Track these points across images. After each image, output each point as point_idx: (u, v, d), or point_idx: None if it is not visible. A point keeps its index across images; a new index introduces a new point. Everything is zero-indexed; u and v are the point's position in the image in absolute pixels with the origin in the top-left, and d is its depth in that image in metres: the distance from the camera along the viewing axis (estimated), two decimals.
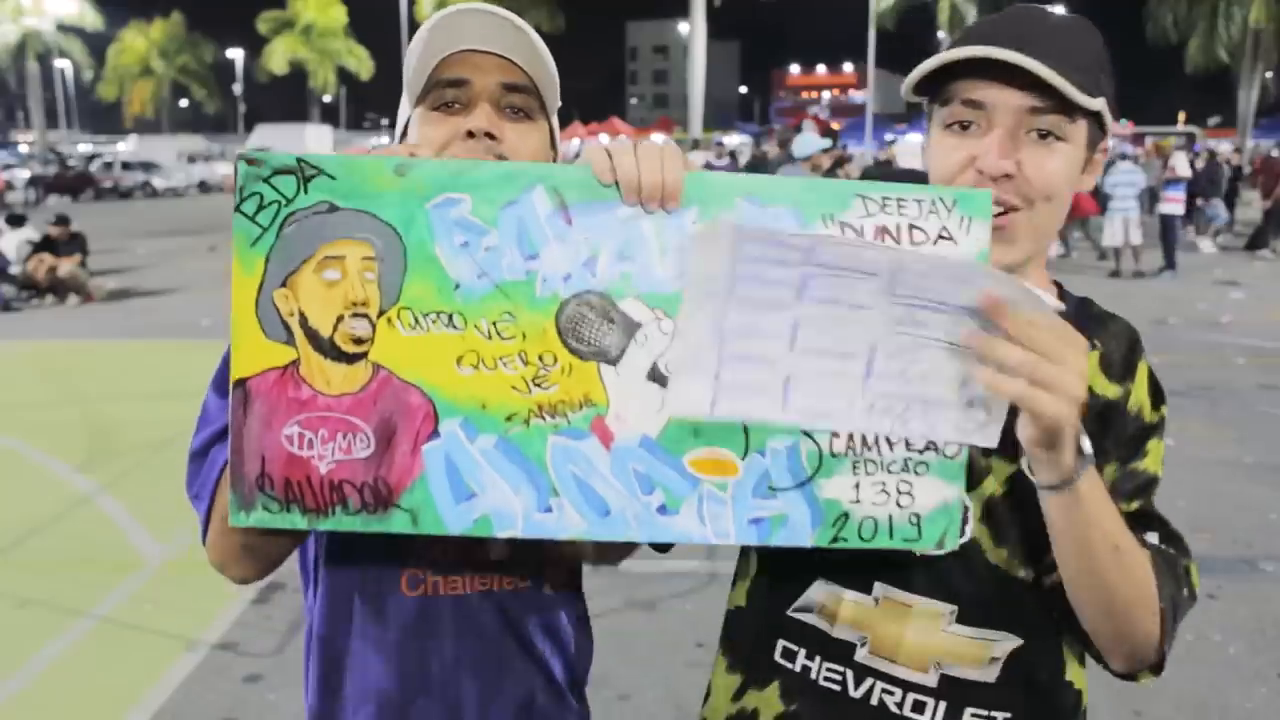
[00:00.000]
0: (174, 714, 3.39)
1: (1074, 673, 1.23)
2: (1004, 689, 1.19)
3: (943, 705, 1.19)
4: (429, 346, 1.01)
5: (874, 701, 1.21)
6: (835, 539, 1.06)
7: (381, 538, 1.08)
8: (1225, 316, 10.49)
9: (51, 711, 3.45)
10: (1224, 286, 12.78)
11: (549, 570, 1.33)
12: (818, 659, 1.24)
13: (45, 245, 12.45)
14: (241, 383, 1.01)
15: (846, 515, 1.05)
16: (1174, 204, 14.12)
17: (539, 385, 1.02)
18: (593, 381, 1.02)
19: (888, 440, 1.04)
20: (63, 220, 12.91)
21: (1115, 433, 1.18)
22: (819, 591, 1.23)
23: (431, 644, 1.26)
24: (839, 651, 1.22)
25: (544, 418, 1.02)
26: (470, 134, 1.18)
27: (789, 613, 1.26)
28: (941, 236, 1.02)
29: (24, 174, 33.01)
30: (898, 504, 1.05)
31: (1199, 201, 15.88)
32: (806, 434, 1.03)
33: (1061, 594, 1.16)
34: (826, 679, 1.23)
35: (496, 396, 1.01)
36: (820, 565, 1.23)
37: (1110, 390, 1.18)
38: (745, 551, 1.35)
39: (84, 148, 49.17)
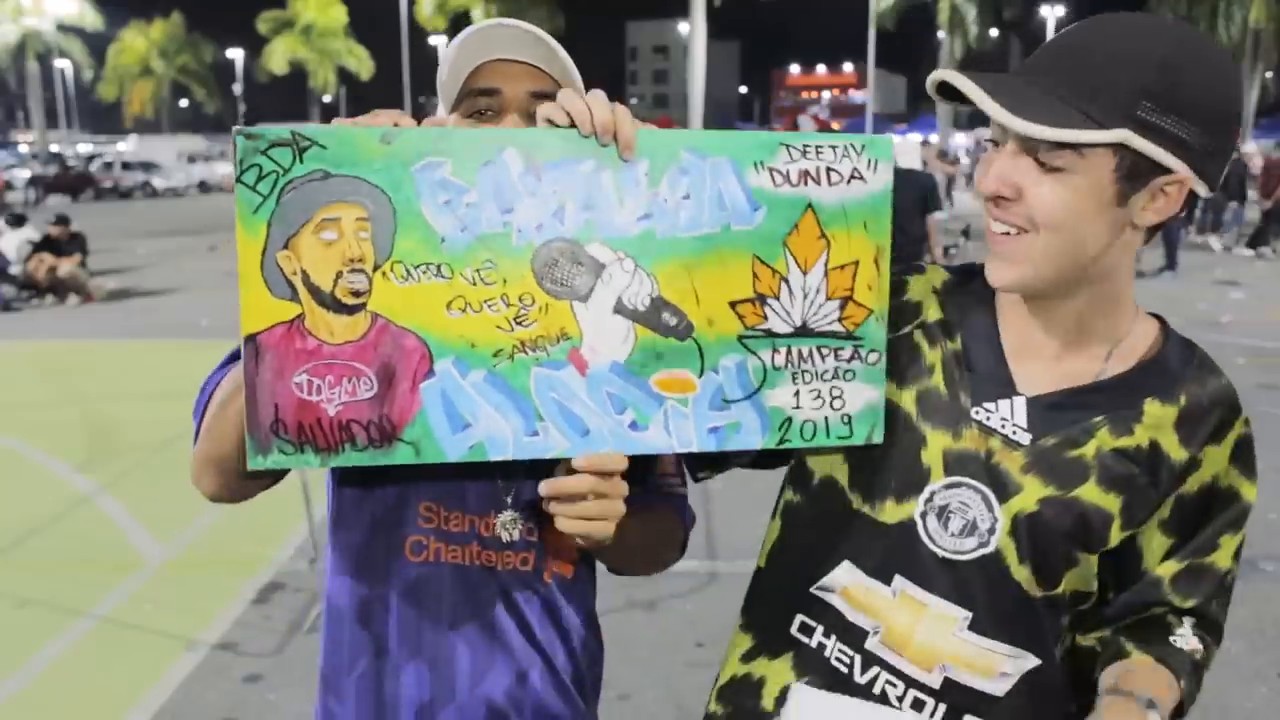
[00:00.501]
0: (174, 714, 3.39)
1: (1065, 703, 1.23)
2: (1010, 705, 1.19)
3: (942, 707, 1.19)
4: (421, 295, 1.12)
5: (876, 690, 1.22)
6: (782, 440, 1.22)
7: (391, 502, 1.28)
8: (1225, 316, 10.51)
9: (51, 711, 3.46)
10: (1224, 286, 12.79)
11: (549, 560, 1.36)
12: (833, 638, 1.25)
13: (45, 245, 12.45)
14: (252, 338, 1.10)
15: (790, 420, 1.22)
16: None
17: (520, 324, 1.14)
18: (567, 317, 1.15)
19: (820, 353, 1.20)
20: (63, 220, 12.91)
21: (1162, 492, 1.17)
22: (844, 574, 1.25)
23: (429, 608, 1.32)
24: (853, 636, 1.24)
25: (526, 352, 1.15)
26: None
27: (811, 589, 1.27)
28: (854, 176, 1.18)
29: (24, 174, 33.01)
30: (831, 406, 1.22)
31: (1230, 205, 15.76)
32: (751, 351, 1.19)
33: (1059, 615, 1.19)
34: (838, 659, 1.24)
35: (483, 336, 1.14)
36: (849, 549, 1.24)
37: (1175, 451, 1.16)
38: (773, 515, 1.38)
39: (84, 148, 49.20)
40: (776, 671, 1.29)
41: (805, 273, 1.18)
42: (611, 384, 1.17)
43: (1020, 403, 1.19)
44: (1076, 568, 1.18)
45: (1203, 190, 1.10)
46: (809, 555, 1.29)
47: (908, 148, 9.30)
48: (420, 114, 1.38)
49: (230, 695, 3.49)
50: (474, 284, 1.13)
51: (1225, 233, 16.83)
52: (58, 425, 6.87)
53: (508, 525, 1.33)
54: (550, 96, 1.28)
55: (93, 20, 42.67)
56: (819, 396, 1.21)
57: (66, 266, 12.27)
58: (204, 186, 36.52)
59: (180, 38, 53.65)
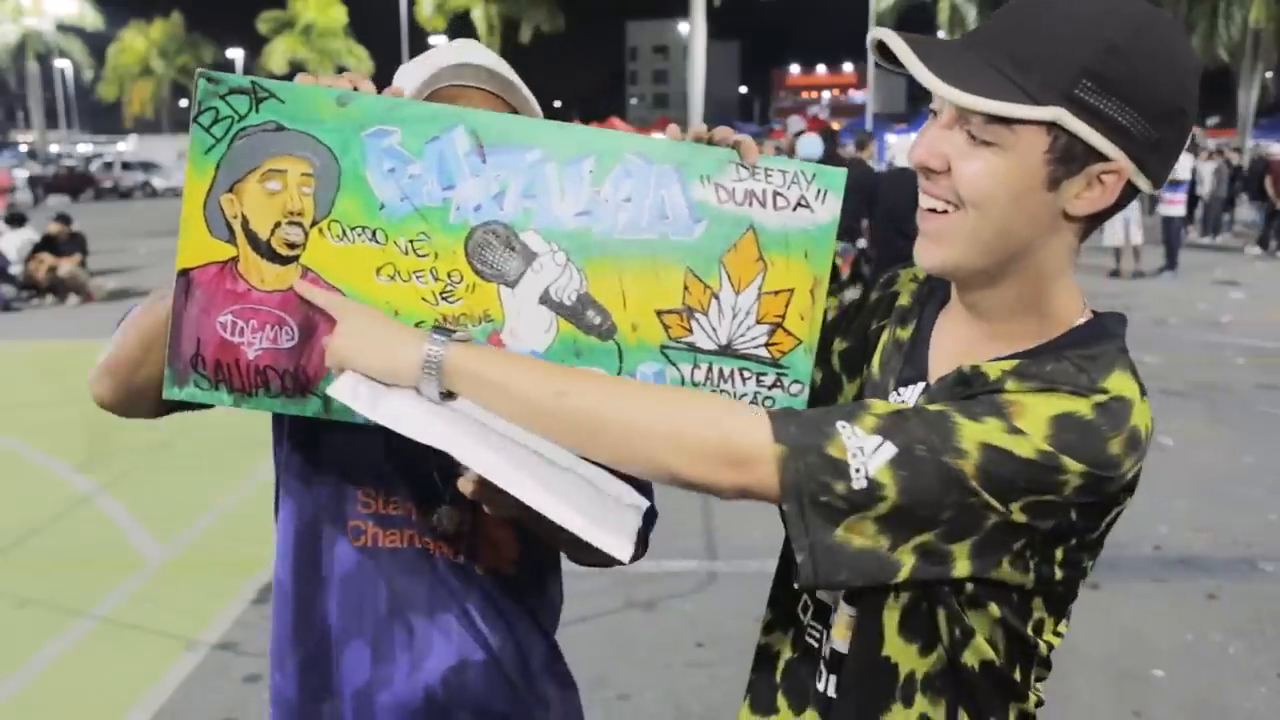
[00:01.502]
0: (174, 714, 3.39)
1: (892, 648, 1.13)
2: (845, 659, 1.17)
3: (833, 679, 1.20)
4: (353, 256, 1.14)
5: (826, 654, 1.22)
6: None
7: (329, 487, 1.33)
8: (1225, 316, 10.49)
9: (51, 711, 3.45)
10: (1224, 286, 12.79)
11: (486, 550, 1.37)
12: (809, 615, 1.26)
13: (46, 244, 12.45)
14: (185, 273, 1.13)
15: None
16: (1174, 206, 14.12)
17: (445, 299, 1.15)
18: (492, 300, 1.16)
19: (741, 375, 1.19)
20: (63, 219, 12.91)
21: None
22: None
23: (368, 592, 1.35)
24: (820, 611, 1.24)
25: (447, 327, 1.15)
26: None
27: None
28: (800, 204, 1.16)
29: (24, 174, 33.01)
30: None
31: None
32: (672, 362, 1.18)
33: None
34: (809, 635, 1.25)
35: (408, 305, 1.15)
36: None
37: (992, 369, 1.06)
38: None
39: (84, 148, 49.16)
40: (783, 646, 1.31)
41: (738, 292, 1.17)
42: None
43: (920, 388, 1.17)
44: None
45: (1145, 185, 1.03)
46: None
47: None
48: None
49: (230, 695, 3.49)
50: (406, 253, 1.14)
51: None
52: (58, 425, 6.86)
53: (443, 518, 1.34)
54: None
55: (93, 20, 42.69)
56: None
57: (66, 266, 12.27)
58: None
59: (180, 38, 53.65)
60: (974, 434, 0.98)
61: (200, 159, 1.11)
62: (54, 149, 44.36)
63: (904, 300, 1.28)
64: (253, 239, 1.12)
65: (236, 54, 58.84)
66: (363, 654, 1.36)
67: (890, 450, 0.98)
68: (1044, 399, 1.00)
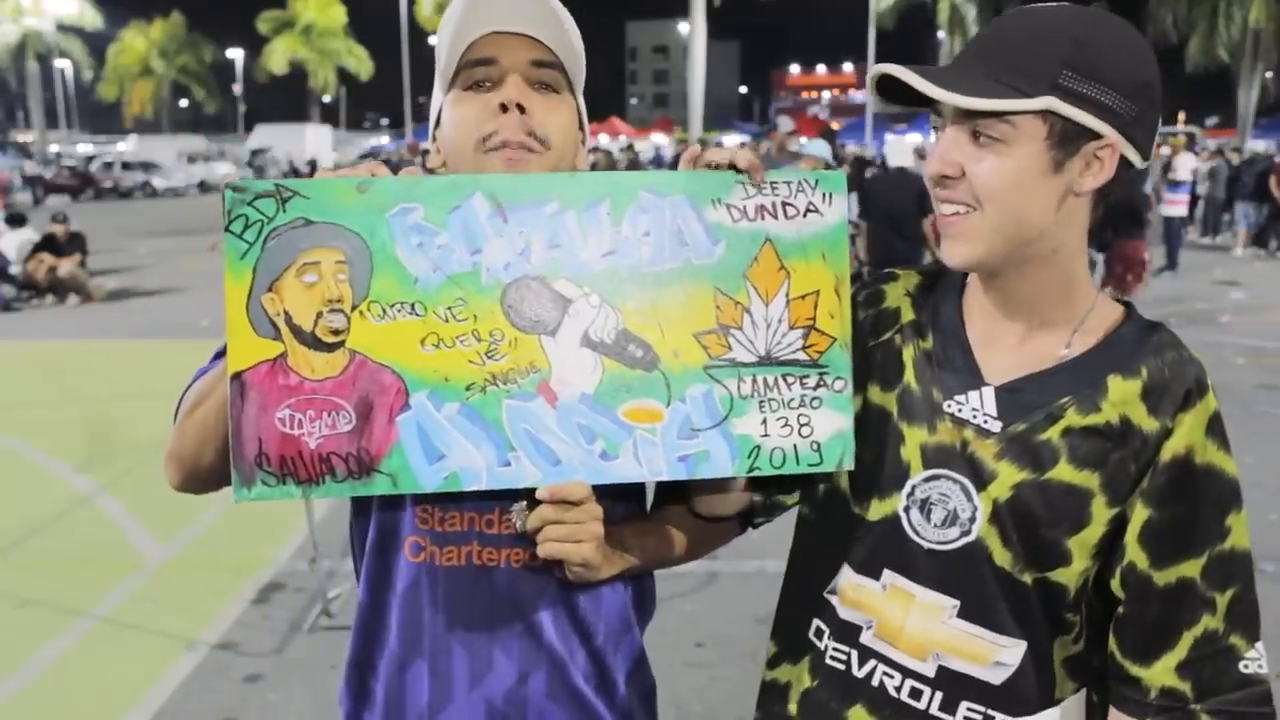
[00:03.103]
0: (174, 714, 3.39)
1: (1063, 691, 1.23)
2: (1006, 692, 1.20)
3: (939, 695, 1.21)
4: (396, 332, 1.17)
5: (875, 683, 1.24)
6: (751, 468, 1.24)
7: (389, 506, 1.31)
8: (1225, 316, 10.51)
9: (51, 711, 3.46)
10: (1224, 286, 12.79)
11: None
12: (827, 637, 1.29)
13: (47, 244, 12.45)
14: (238, 375, 1.16)
15: (758, 447, 1.23)
16: (1176, 206, 14.12)
17: (491, 357, 1.18)
18: (535, 351, 1.19)
19: (785, 381, 1.23)
20: (62, 219, 12.90)
21: (1142, 464, 1.16)
22: (845, 575, 1.28)
23: (426, 611, 1.33)
24: (847, 632, 1.27)
25: (498, 384, 1.19)
26: (503, 107, 1.27)
27: (824, 594, 1.31)
28: (809, 210, 1.22)
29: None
30: (800, 434, 1.24)
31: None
32: (717, 380, 1.22)
33: (1061, 608, 1.19)
34: (833, 658, 1.28)
35: (456, 370, 1.18)
36: (847, 551, 1.27)
37: (1145, 422, 1.16)
38: (797, 521, 1.40)
39: (84, 148, 49.14)
40: (798, 676, 1.33)
41: (767, 303, 1.21)
42: (581, 415, 1.20)
43: (989, 392, 1.21)
44: (1065, 561, 1.17)
45: (1135, 158, 1.15)
46: (819, 562, 1.33)
47: (901, 147, 9.29)
48: (421, 113, 1.38)
49: (230, 695, 3.49)
50: (446, 321, 1.18)
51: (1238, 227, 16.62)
52: (58, 425, 6.87)
53: (521, 514, 1.30)
54: (551, 65, 1.30)
55: (93, 20, 42.71)
56: (787, 424, 1.23)
57: (66, 266, 12.27)
58: (204, 186, 36.44)
59: (180, 38, 53.67)
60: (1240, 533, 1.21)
61: (237, 264, 1.15)
62: (54, 149, 44.31)
63: (908, 314, 1.31)
64: (298, 332, 1.16)
65: (236, 54, 58.88)
66: (422, 675, 1.34)
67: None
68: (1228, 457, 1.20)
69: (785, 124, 9.92)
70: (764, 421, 1.23)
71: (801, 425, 1.23)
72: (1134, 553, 1.17)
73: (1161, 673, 1.16)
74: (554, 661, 1.34)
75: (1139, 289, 8.81)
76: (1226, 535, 1.18)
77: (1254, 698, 1.15)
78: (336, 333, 1.16)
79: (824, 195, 1.22)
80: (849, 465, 1.25)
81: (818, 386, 1.23)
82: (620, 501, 1.36)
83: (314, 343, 1.16)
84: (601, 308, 1.19)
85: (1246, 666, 1.16)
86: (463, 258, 1.17)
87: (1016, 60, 1.12)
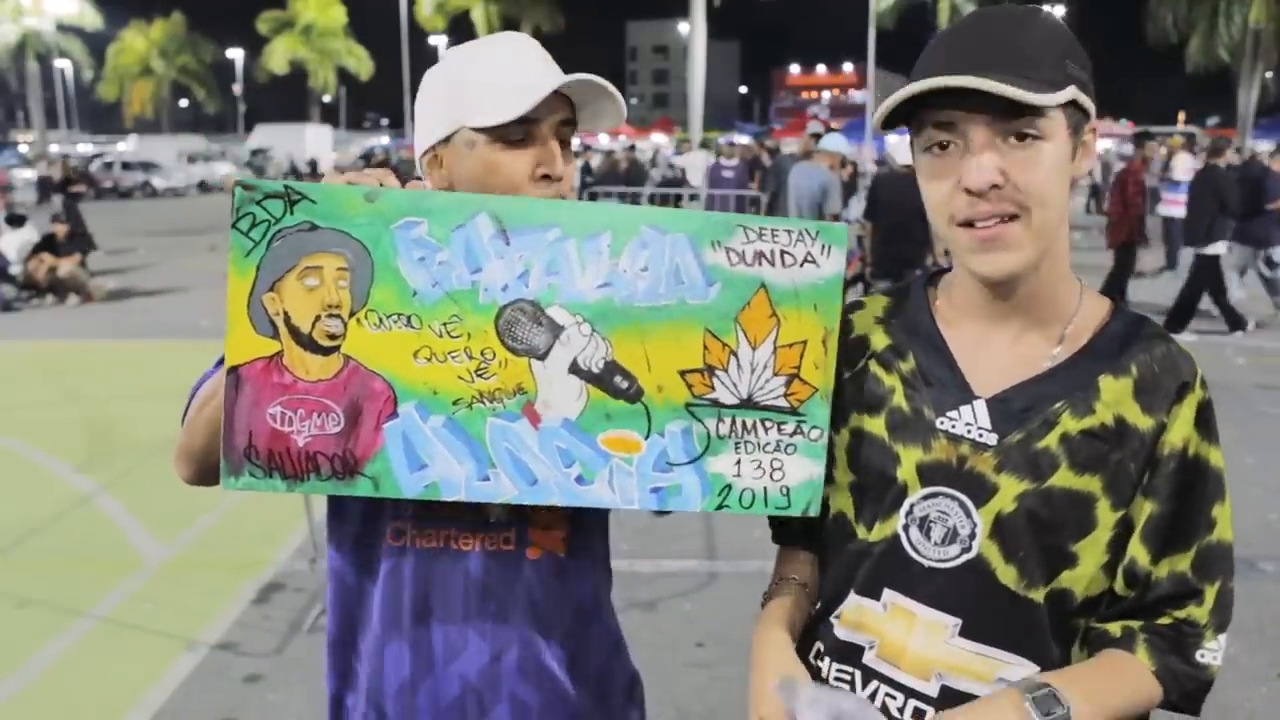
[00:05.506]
0: (174, 714, 3.39)
1: None
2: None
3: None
4: (391, 342, 1.20)
5: (877, 704, 1.23)
6: (720, 505, 1.27)
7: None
8: None
9: (51, 711, 3.45)
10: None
11: (536, 534, 1.40)
12: (829, 660, 1.29)
13: (47, 243, 12.45)
14: (234, 370, 1.20)
15: (730, 486, 1.26)
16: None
17: (480, 375, 1.21)
18: (524, 373, 1.22)
19: (763, 425, 1.25)
20: (62, 219, 12.89)
21: (1141, 463, 1.17)
22: (849, 599, 1.29)
23: (406, 592, 1.39)
24: (848, 654, 1.27)
25: (484, 402, 1.22)
26: (546, 176, 1.35)
27: (830, 617, 1.31)
28: (807, 260, 1.23)
29: (24, 174, 32.94)
30: (771, 478, 1.26)
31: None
32: (697, 418, 1.24)
33: (1068, 616, 1.19)
34: (837, 680, 1.28)
35: (446, 384, 1.21)
36: (851, 575, 1.28)
37: (1140, 420, 1.17)
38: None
39: (84, 148, 49.09)
40: None
41: (754, 348, 1.23)
42: (561, 439, 1.23)
43: (980, 405, 1.21)
44: (1072, 564, 1.18)
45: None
46: (822, 586, 1.34)
47: (906, 146, 9.29)
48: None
49: (230, 695, 3.49)
50: (440, 336, 1.20)
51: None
52: (58, 425, 6.87)
53: (495, 507, 1.36)
54: (572, 122, 1.39)
55: (93, 20, 42.65)
56: (760, 467, 1.26)
57: (66, 266, 12.26)
58: (204, 186, 36.38)
59: (180, 38, 53.65)
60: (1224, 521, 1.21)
61: (241, 261, 1.18)
62: (54, 149, 44.28)
63: (880, 340, 1.31)
64: (295, 333, 1.19)
65: (236, 54, 58.87)
66: (404, 650, 1.40)
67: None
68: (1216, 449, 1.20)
69: (814, 126, 9.98)
70: (738, 462, 1.25)
71: (774, 469, 1.26)
72: (1135, 549, 1.18)
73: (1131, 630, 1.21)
74: (525, 642, 1.40)
75: None
76: (1213, 527, 1.19)
77: (1199, 684, 1.20)
78: (333, 337, 1.19)
79: (823, 247, 1.23)
80: (814, 512, 1.27)
81: (794, 434, 1.25)
82: (588, 535, 1.44)
83: (310, 345, 1.19)
84: (592, 337, 1.21)
85: (1204, 656, 1.19)
86: (462, 275, 1.20)
87: (1030, 56, 1.12)
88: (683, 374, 1.23)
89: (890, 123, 1.19)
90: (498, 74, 1.35)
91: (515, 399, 1.22)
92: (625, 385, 1.22)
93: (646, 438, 1.23)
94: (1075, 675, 1.15)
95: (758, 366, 1.23)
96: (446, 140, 1.38)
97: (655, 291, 1.22)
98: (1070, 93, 1.12)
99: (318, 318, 1.18)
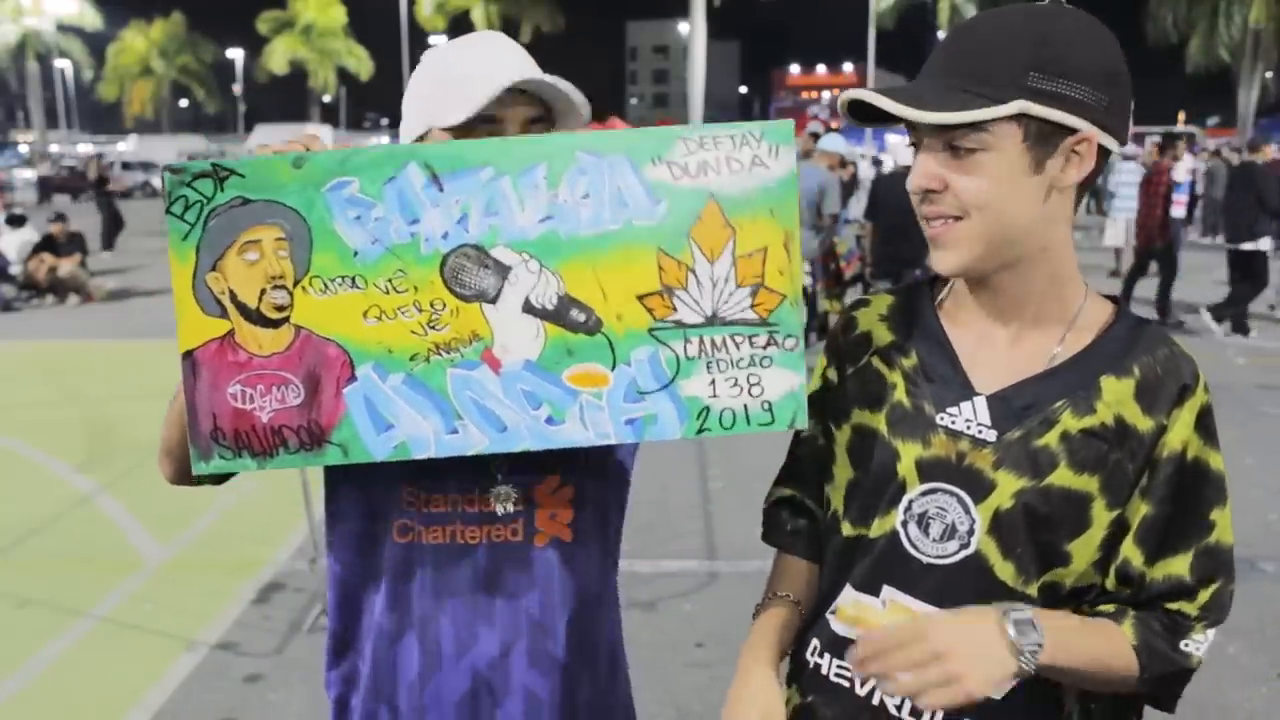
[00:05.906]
0: (174, 714, 3.39)
1: (1069, 704, 1.23)
2: (1009, 707, 1.18)
3: (940, 712, 1.20)
4: (339, 306, 1.19)
5: (875, 701, 1.24)
6: (701, 429, 1.22)
7: (379, 490, 1.38)
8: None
9: (51, 711, 3.45)
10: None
11: (541, 525, 1.41)
12: (828, 656, 1.29)
13: (46, 244, 12.45)
14: (189, 355, 1.20)
15: (707, 409, 1.22)
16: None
17: (433, 327, 1.20)
18: (477, 319, 1.20)
19: (734, 341, 1.20)
20: (62, 219, 12.90)
21: (1140, 464, 1.17)
22: (845, 594, 1.29)
23: (414, 588, 1.40)
24: (846, 649, 1.25)
25: (441, 354, 1.20)
26: None
27: (826, 613, 1.31)
28: (755, 163, 1.19)
29: (24, 174, 32.95)
30: (750, 394, 1.22)
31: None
32: (663, 342, 1.20)
33: (1056, 604, 1.19)
34: (837, 675, 1.28)
35: (399, 341, 1.20)
36: (848, 572, 1.28)
37: (1140, 421, 1.17)
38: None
39: (84, 148, 49.11)
40: (792, 695, 1.35)
41: (712, 262, 1.19)
42: (525, 381, 1.20)
43: (980, 402, 1.21)
44: (1065, 563, 1.18)
45: (1112, 144, 1.16)
46: (827, 581, 1.34)
47: (905, 147, 9.30)
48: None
49: (230, 695, 3.49)
50: (387, 293, 1.19)
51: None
52: (58, 425, 6.87)
53: (502, 499, 1.38)
54: (541, 120, 1.36)
55: (93, 20, 42.65)
56: (736, 384, 1.21)
57: (66, 266, 12.27)
58: None
59: (180, 38, 53.64)
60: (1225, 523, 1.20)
61: (180, 246, 1.18)
62: (54, 149, 44.31)
63: (883, 336, 1.32)
64: (243, 309, 1.18)
65: (236, 54, 58.86)
66: (412, 645, 1.40)
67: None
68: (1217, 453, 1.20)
69: (815, 126, 10.01)
70: (712, 383, 1.21)
71: (752, 385, 1.21)
72: (1129, 550, 1.18)
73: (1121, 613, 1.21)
74: (534, 633, 1.41)
75: None
76: (1212, 529, 1.19)
77: (1177, 670, 1.19)
78: (280, 309, 1.18)
79: (770, 148, 1.19)
80: (801, 424, 1.22)
81: (768, 345, 1.21)
82: (603, 479, 1.45)
83: (259, 319, 1.19)
84: (541, 273, 1.18)
85: (1188, 645, 1.19)
86: (400, 229, 1.18)
87: (982, 68, 1.13)
88: (641, 298, 1.19)
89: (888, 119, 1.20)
90: (464, 73, 1.34)
91: (472, 346, 1.19)
92: (582, 318, 1.19)
93: (613, 369, 1.20)
94: (1053, 616, 1.15)
95: (718, 281, 1.19)
96: (421, 140, 1.38)
97: (600, 218, 1.18)
98: (1016, 107, 1.11)
99: (263, 291, 1.18)
